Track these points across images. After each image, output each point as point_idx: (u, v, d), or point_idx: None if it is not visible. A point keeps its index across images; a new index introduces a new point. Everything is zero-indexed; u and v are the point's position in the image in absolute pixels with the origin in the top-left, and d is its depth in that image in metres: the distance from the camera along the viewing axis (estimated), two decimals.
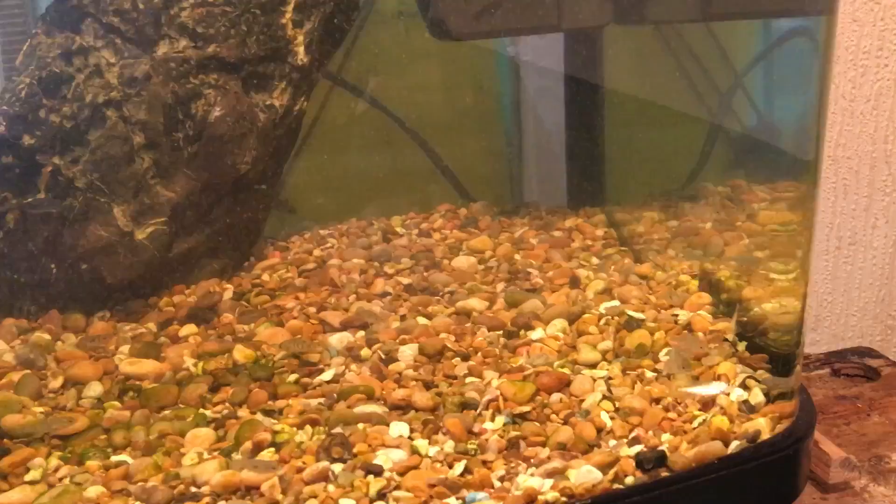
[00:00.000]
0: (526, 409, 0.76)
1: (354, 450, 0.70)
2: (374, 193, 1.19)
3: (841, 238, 1.32)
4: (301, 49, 0.97)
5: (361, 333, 0.89)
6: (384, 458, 0.69)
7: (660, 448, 0.70)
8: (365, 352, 0.86)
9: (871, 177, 1.30)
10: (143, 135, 0.89)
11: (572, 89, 1.19)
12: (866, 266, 1.34)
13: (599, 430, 0.73)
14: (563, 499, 0.66)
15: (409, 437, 0.73)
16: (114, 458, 0.71)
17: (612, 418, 0.74)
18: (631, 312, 0.87)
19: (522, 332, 0.88)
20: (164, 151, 0.91)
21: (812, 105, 0.76)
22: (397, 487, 0.67)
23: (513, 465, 0.70)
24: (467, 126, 1.27)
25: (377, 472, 0.68)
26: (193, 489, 0.67)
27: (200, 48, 0.90)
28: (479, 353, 0.85)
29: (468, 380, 0.80)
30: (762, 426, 0.72)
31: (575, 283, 0.97)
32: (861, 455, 0.85)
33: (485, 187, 1.24)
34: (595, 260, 1.04)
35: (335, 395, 0.78)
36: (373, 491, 0.66)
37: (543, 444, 0.72)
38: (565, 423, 0.74)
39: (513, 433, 0.73)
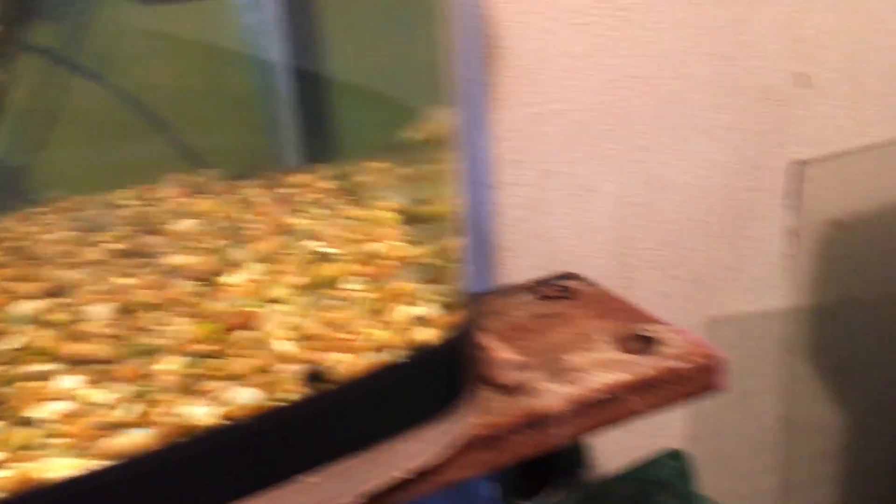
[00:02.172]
0: (211, 348, 0.76)
1: (11, 405, 0.68)
2: (103, 170, 1.15)
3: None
4: None
5: (58, 300, 0.86)
6: (45, 410, 0.67)
7: (325, 364, 0.72)
8: (57, 316, 0.83)
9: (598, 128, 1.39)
10: None
11: (294, 53, 1.20)
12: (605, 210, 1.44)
13: (279, 359, 0.75)
14: (227, 422, 0.67)
15: (80, 389, 0.71)
16: None
17: (291, 346, 0.76)
18: (324, 248, 0.90)
19: (222, 278, 0.88)
20: None
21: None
22: (54, 435, 0.65)
23: (186, 400, 0.70)
24: (204, 94, 1.26)
25: (33, 423, 0.66)
26: None
27: None
28: (177, 305, 0.84)
29: (158, 328, 0.80)
30: (430, 335, 0.77)
31: (287, 231, 0.98)
32: (540, 358, 0.93)
33: (220, 154, 1.23)
34: (317, 210, 1.06)
35: (11, 360, 0.76)
36: (25, 441, 0.64)
37: (221, 379, 0.73)
38: (243, 356, 0.75)
39: (192, 371, 0.73)
